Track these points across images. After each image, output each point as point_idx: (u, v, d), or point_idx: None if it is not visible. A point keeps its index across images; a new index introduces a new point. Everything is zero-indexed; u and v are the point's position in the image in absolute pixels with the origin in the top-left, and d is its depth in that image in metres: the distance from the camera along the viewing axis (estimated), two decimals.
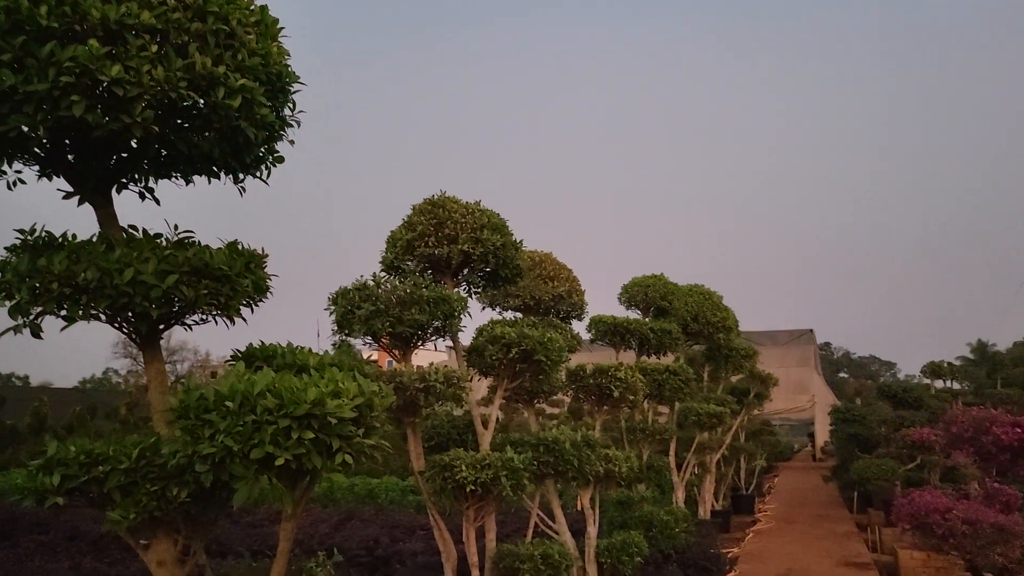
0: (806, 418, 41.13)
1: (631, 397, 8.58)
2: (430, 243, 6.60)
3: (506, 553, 5.92)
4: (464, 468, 5.56)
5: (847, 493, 19.86)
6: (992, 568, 7.60)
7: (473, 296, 7.29)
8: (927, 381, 20.36)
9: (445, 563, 6.16)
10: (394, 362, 6.42)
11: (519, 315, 9.36)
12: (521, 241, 7.01)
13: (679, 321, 12.46)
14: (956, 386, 21.10)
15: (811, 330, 38.61)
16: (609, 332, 11.04)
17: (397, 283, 6.11)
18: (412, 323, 6.02)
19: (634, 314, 12.08)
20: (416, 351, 6.49)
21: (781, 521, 18.14)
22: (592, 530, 8.54)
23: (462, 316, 6.50)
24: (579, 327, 10.24)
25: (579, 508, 9.02)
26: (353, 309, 6.02)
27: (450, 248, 6.57)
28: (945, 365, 20.42)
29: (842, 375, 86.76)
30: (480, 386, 6.97)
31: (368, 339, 6.28)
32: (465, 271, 6.97)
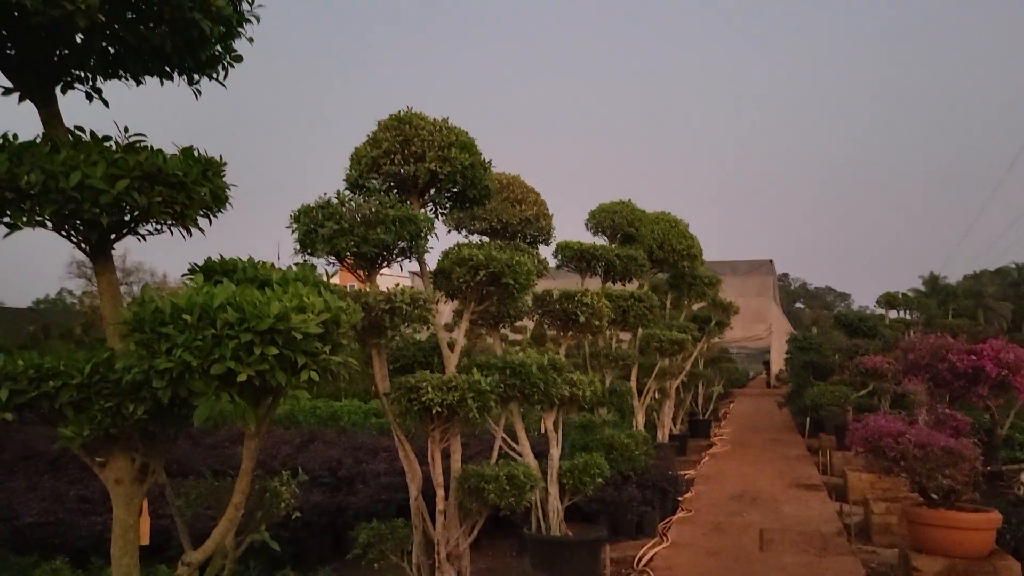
0: (762, 346, 42.04)
1: (596, 323, 8.55)
2: (396, 161, 6.36)
3: (471, 474, 5.90)
4: (430, 390, 5.48)
5: (800, 419, 20.44)
6: (938, 490, 7.83)
7: (440, 218, 7.11)
8: (882, 311, 20.80)
9: (410, 483, 6.13)
10: (356, 284, 6.25)
11: (485, 239, 9.21)
12: (490, 161, 6.81)
13: (645, 248, 12.43)
14: (909, 316, 21.60)
15: (771, 260, 39.11)
16: (576, 258, 10.97)
17: (362, 201, 5.90)
18: (377, 243, 5.84)
19: (601, 240, 12.01)
20: (380, 273, 6.33)
21: (736, 445, 18.62)
22: (555, 452, 8.61)
23: (429, 237, 6.34)
24: (546, 253, 10.15)
25: (543, 431, 9.08)
26: (316, 228, 5.82)
27: (417, 166, 6.35)
28: (900, 296, 20.85)
29: (798, 305, 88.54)
30: (445, 310, 6.85)
31: (332, 259, 6.10)
32: (432, 191, 6.77)
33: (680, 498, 11.79)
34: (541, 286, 8.98)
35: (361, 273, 6.20)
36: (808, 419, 19.13)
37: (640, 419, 13.41)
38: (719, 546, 9.46)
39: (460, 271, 6.26)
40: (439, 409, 5.50)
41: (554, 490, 8.51)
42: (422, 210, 6.83)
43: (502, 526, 9.33)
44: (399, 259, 6.35)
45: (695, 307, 18.25)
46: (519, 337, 27.53)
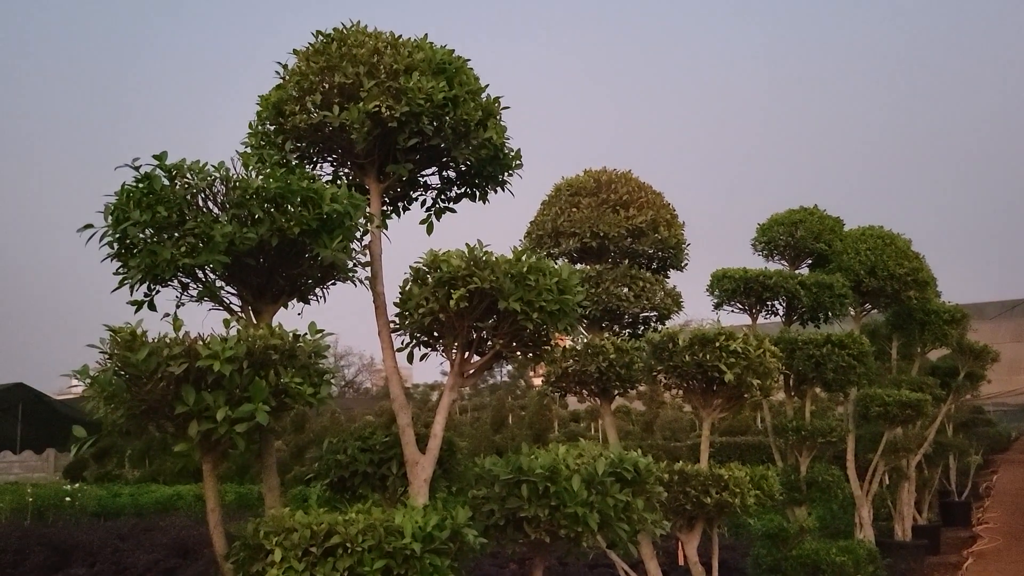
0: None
1: (756, 383, 4.84)
2: (308, 105, 3.31)
3: None
4: (278, 553, 2.20)
5: None
6: None
7: (437, 217, 3.92)
8: None
9: None
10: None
11: (584, 267, 5.91)
12: (497, 100, 3.53)
13: (849, 277, 8.35)
14: None
15: None
16: (739, 291, 7.25)
17: (204, 167, 2.89)
18: (236, 245, 2.79)
19: (778, 266, 8.17)
20: (284, 307, 3.22)
21: (1010, 536, 13.14)
22: None
23: (367, 234, 3.19)
24: (685, 287, 6.52)
25: (681, 561, 5.40)
26: (127, 227, 2.88)
27: (348, 109, 3.26)
28: None
29: None
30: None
31: (194, 287, 3.12)
32: (398, 162, 3.61)
33: None
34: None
35: (246, 307, 3.15)
36: None
37: (865, 514, 9.01)
38: None
39: (419, 292, 3.01)
40: None
41: None
42: (393, 204, 3.73)
43: None
44: (320, 283, 3.23)
45: (932, 357, 13.28)
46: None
